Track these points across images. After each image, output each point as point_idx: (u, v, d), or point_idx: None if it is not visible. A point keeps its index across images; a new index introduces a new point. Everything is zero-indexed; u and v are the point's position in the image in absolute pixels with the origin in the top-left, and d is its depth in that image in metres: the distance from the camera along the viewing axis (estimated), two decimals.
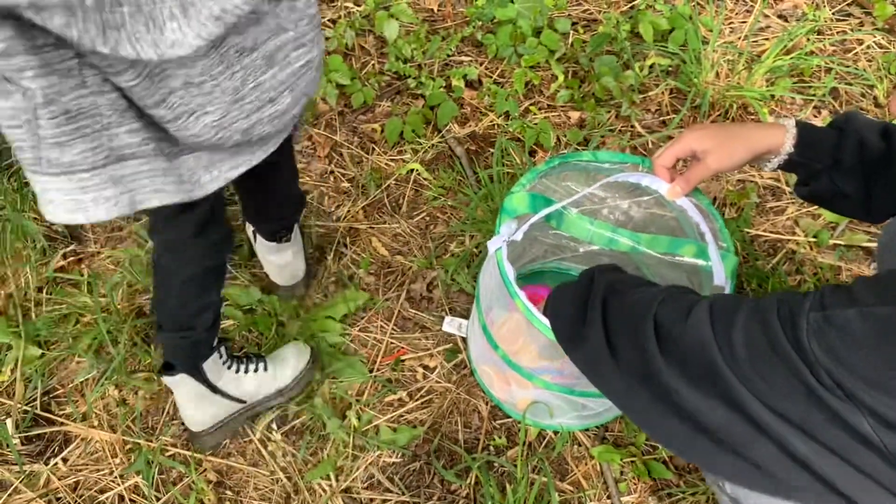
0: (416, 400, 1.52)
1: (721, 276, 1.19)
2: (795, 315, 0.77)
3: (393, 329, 1.60)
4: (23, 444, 1.45)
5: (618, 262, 1.34)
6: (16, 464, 1.42)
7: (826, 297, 0.76)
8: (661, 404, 0.90)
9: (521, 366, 1.33)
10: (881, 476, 0.76)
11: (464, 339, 1.58)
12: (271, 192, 1.40)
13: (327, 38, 1.99)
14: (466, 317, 1.61)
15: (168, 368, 1.30)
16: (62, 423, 1.47)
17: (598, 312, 0.99)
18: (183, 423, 1.43)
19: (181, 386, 1.33)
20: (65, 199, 0.81)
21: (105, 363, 1.52)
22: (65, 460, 1.44)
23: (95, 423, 1.47)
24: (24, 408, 1.48)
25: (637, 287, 1.01)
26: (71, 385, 1.51)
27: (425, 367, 1.56)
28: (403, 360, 1.56)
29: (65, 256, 1.64)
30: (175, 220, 1.12)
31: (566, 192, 1.35)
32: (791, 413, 0.79)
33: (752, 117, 1.91)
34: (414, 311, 1.63)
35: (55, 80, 0.72)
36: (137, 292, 1.60)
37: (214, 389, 1.35)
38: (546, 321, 1.13)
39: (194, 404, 1.36)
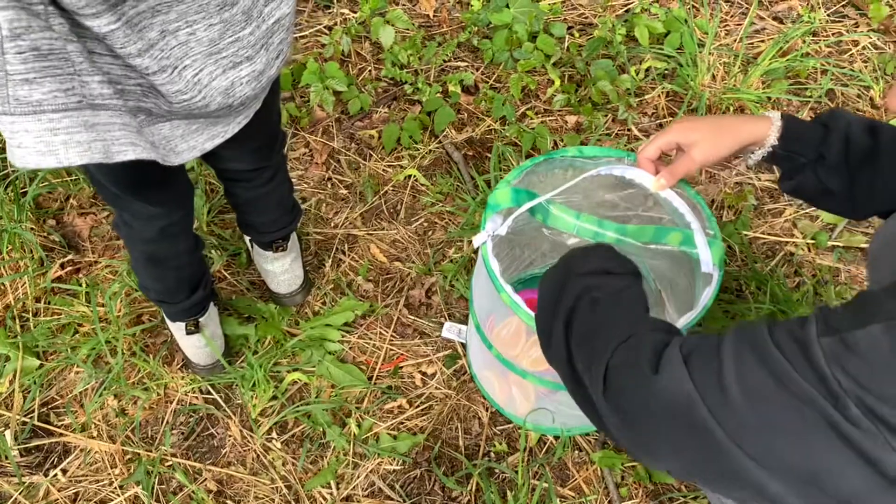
0: (416, 407, 1.51)
1: (709, 263, 1.18)
2: (805, 343, 0.67)
3: (392, 336, 1.59)
4: (22, 455, 1.45)
5: None
6: (15, 475, 1.41)
7: (830, 319, 0.68)
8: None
9: (517, 366, 1.33)
10: None
11: (463, 345, 1.58)
12: (265, 203, 1.40)
13: (323, 45, 1.99)
14: (465, 323, 1.60)
15: (195, 321, 1.43)
16: (61, 434, 1.47)
17: (562, 327, 0.92)
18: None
19: (214, 317, 1.47)
20: (34, 142, 0.78)
21: (104, 373, 1.51)
22: (64, 471, 1.43)
23: (94, 434, 1.47)
24: (23, 419, 1.47)
25: (611, 299, 0.92)
26: (70, 395, 1.50)
27: (424, 374, 1.55)
28: (402, 367, 1.56)
29: (62, 266, 1.64)
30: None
31: (553, 188, 1.34)
32: (801, 463, 0.68)
33: None
34: (413, 317, 1.62)
35: (23, 15, 0.71)
36: (136, 301, 1.60)
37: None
38: (531, 312, 1.12)
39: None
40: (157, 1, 0.78)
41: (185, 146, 0.97)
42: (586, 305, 0.92)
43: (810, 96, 1.96)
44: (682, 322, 1.11)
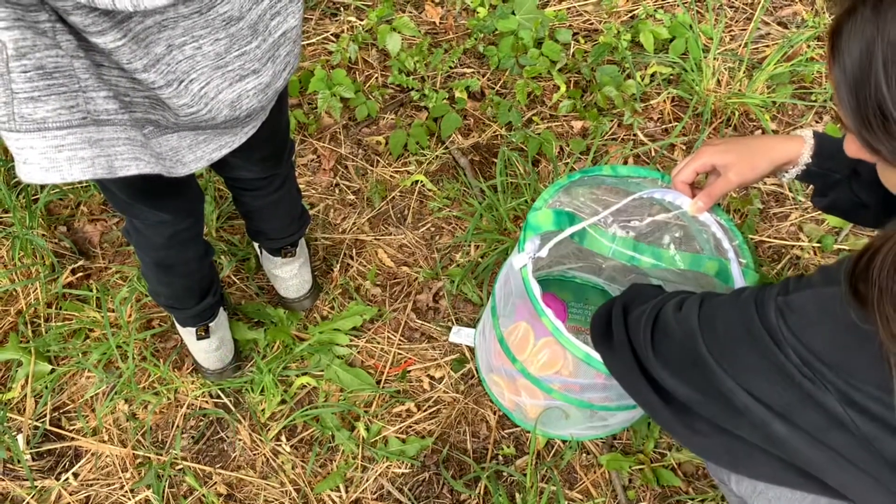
0: (424, 410, 1.52)
1: None
2: (766, 299, 0.82)
3: (400, 340, 1.60)
4: (34, 459, 1.46)
5: (635, 277, 1.42)
6: (27, 479, 1.43)
7: (791, 283, 0.82)
8: (655, 394, 1.00)
9: (540, 379, 1.34)
10: (854, 455, 0.79)
11: (471, 349, 1.59)
12: (274, 211, 1.41)
13: (330, 53, 2.01)
14: (473, 326, 1.61)
15: (205, 327, 1.44)
16: (73, 439, 1.48)
17: (621, 318, 1.08)
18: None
19: (224, 321, 1.48)
20: (39, 158, 0.79)
21: (115, 378, 1.53)
22: (76, 475, 1.44)
23: (106, 438, 1.48)
24: (35, 423, 1.49)
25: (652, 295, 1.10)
26: (81, 400, 1.52)
27: (432, 378, 1.56)
28: (410, 371, 1.57)
29: (73, 272, 1.66)
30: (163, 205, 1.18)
31: (586, 205, 1.35)
32: (769, 397, 0.83)
33: (754, 124, 1.92)
34: (420, 321, 1.63)
35: (28, 34, 0.72)
36: (146, 307, 1.61)
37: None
38: (574, 339, 1.13)
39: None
40: (162, 17, 0.79)
41: (193, 157, 0.98)
42: (636, 298, 1.11)
43: (815, 101, 1.96)
44: None
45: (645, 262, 1.27)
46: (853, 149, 0.81)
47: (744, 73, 1.96)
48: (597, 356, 1.13)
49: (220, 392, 1.53)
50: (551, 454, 1.47)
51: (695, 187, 1.21)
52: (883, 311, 0.66)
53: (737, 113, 1.91)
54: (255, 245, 1.61)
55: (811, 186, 1.17)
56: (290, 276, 1.53)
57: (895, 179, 0.76)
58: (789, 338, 0.78)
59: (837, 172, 1.08)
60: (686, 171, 1.16)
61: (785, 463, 0.88)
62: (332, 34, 2.09)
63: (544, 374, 1.33)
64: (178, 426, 1.50)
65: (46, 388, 1.52)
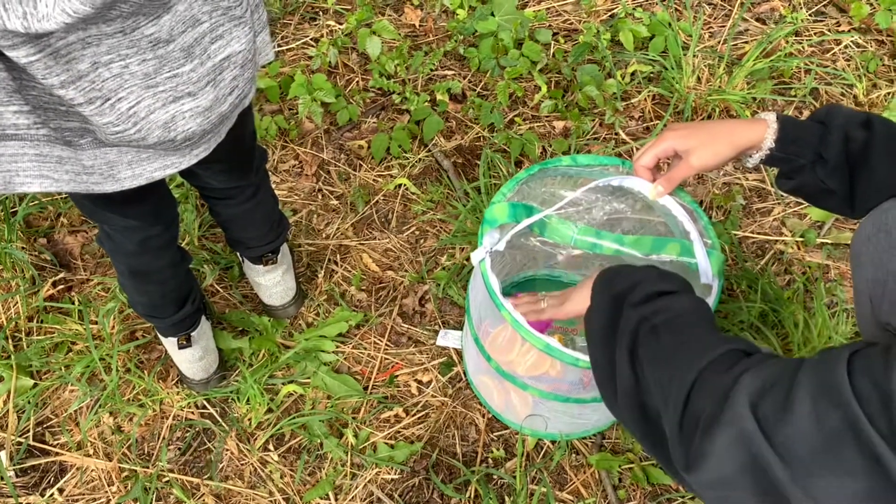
0: (413, 415, 1.51)
1: (708, 274, 1.18)
2: (887, 393, 0.63)
3: (387, 345, 1.60)
4: (17, 475, 1.44)
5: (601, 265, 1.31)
6: (11, 497, 1.41)
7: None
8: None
9: (516, 376, 1.34)
10: None
11: (458, 352, 1.58)
12: (250, 220, 1.39)
13: (310, 58, 2.00)
14: (460, 329, 1.61)
15: (186, 336, 1.42)
16: (57, 454, 1.46)
17: (627, 362, 0.88)
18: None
19: (207, 331, 1.47)
20: None
21: (98, 390, 1.51)
22: (61, 491, 1.42)
23: (91, 452, 1.46)
24: (18, 439, 1.47)
25: (671, 326, 0.87)
26: (65, 414, 1.50)
27: (420, 382, 1.56)
28: (398, 376, 1.56)
29: (54, 285, 1.64)
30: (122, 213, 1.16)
31: (548, 198, 1.35)
32: None
33: None
34: (407, 325, 1.63)
35: None
36: (129, 318, 1.59)
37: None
38: (534, 331, 1.13)
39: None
40: (86, 33, 0.76)
41: (130, 173, 0.93)
42: (649, 342, 0.87)
43: (795, 96, 1.98)
44: None
45: (607, 248, 1.27)
46: None
47: (723, 69, 1.97)
48: (557, 346, 1.12)
49: (205, 402, 1.52)
50: (541, 455, 1.47)
51: (657, 172, 1.20)
52: None
53: (717, 110, 1.92)
54: (238, 253, 1.59)
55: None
56: (273, 283, 1.52)
57: None
58: None
59: (802, 157, 1.06)
60: (647, 156, 1.15)
61: None
62: (311, 39, 2.08)
63: (532, 374, 1.33)
64: (164, 438, 1.48)
65: (29, 403, 1.50)
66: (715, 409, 0.73)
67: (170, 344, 1.46)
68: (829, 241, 1.75)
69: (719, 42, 2.08)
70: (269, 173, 1.79)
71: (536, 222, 1.24)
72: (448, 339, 1.58)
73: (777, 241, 1.76)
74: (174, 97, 0.86)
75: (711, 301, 1.15)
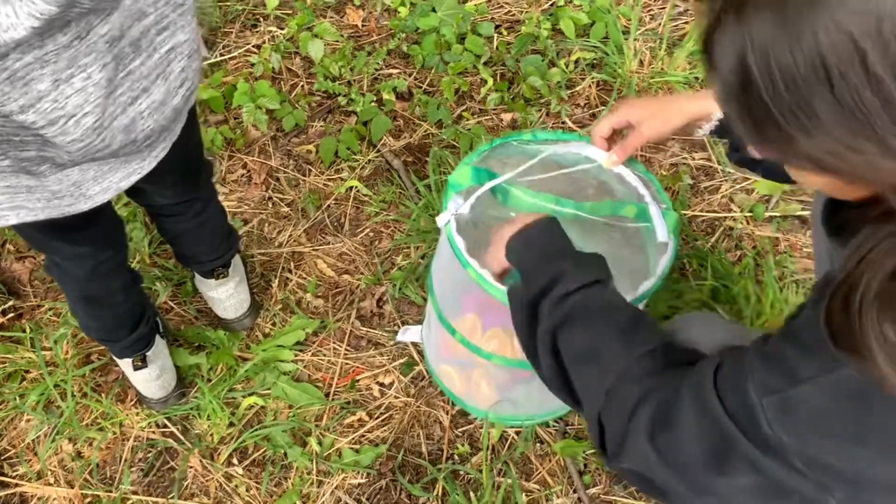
0: (376, 418, 1.51)
1: (664, 232, 1.22)
2: (749, 406, 0.71)
3: (346, 350, 1.59)
4: None
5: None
6: None
7: (767, 375, 0.71)
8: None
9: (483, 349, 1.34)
10: None
11: (419, 351, 1.58)
12: (199, 235, 1.38)
13: (253, 65, 1.98)
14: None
15: (142, 356, 1.40)
16: (17, 485, 1.44)
17: (550, 358, 0.93)
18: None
19: (162, 349, 1.45)
20: None
21: (56, 417, 1.49)
22: None
23: (52, 481, 1.44)
24: None
25: (588, 330, 0.92)
26: (22, 444, 1.47)
27: (382, 384, 1.56)
28: (359, 380, 1.56)
29: (4, 313, 1.61)
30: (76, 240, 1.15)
31: (512, 169, 1.36)
32: None
33: None
34: (366, 328, 1.62)
35: None
36: (83, 342, 1.57)
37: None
38: (500, 286, 1.13)
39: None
40: (42, 51, 0.74)
41: (98, 188, 0.94)
42: (567, 340, 0.92)
43: None
44: (641, 290, 1.14)
45: (567, 213, 1.29)
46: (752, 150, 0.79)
47: (665, 51, 1.98)
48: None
49: (166, 421, 1.50)
50: (506, 447, 1.48)
51: (612, 143, 1.23)
52: (876, 352, 0.59)
53: (661, 92, 1.94)
54: (189, 269, 1.58)
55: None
56: (226, 296, 1.51)
57: (799, 177, 0.73)
58: (792, 444, 0.68)
59: None
60: (603, 124, 1.20)
61: None
62: (253, 46, 2.06)
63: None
64: (125, 460, 1.47)
65: None
66: (620, 437, 0.83)
67: (125, 365, 1.44)
68: (778, 214, 1.78)
69: (659, 24, 2.10)
70: (218, 184, 1.78)
71: (500, 190, 1.25)
72: (408, 334, 1.58)
73: (726, 217, 1.78)
74: (132, 98, 0.87)
75: (667, 259, 1.17)
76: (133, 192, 1.10)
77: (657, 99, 1.19)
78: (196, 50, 0.95)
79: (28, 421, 1.50)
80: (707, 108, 1.12)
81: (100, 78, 0.81)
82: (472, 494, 1.42)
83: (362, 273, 1.69)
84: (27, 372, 1.54)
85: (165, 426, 1.50)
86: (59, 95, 0.78)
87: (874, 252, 0.60)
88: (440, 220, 1.21)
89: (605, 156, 1.23)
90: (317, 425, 1.49)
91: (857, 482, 0.69)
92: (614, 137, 1.23)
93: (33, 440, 1.48)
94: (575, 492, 1.43)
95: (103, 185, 0.94)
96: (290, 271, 1.69)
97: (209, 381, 1.53)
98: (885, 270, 0.59)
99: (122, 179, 0.96)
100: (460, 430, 1.51)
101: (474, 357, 1.36)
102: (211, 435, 1.48)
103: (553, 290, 0.94)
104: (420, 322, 1.62)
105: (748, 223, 1.77)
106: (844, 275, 0.62)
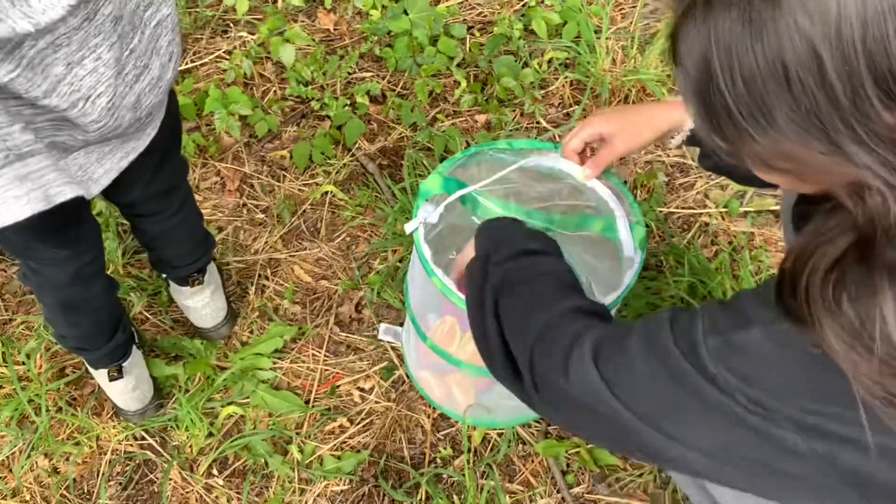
0: (357, 424, 1.50)
1: (630, 246, 1.22)
2: (693, 344, 0.73)
3: (325, 356, 1.58)
4: None
5: None
6: None
7: (717, 319, 0.73)
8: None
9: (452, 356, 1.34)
10: (810, 478, 0.72)
11: (400, 355, 1.58)
12: (177, 235, 1.37)
13: (224, 71, 1.96)
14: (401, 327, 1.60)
15: (118, 367, 1.38)
16: None
17: (494, 323, 0.92)
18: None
19: (139, 360, 1.43)
20: None
21: (30, 433, 1.46)
22: None
23: (28, 498, 1.41)
24: None
25: (529, 285, 0.93)
26: None
27: (362, 390, 1.55)
28: (339, 386, 1.55)
29: None
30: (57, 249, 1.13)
31: (484, 179, 1.36)
32: (709, 444, 0.74)
33: (651, 99, 1.96)
34: (345, 334, 1.61)
35: None
36: (57, 355, 1.54)
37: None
38: (461, 294, 1.13)
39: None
40: (54, 36, 0.76)
41: (102, 170, 0.96)
42: (508, 295, 0.92)
43: None
44: (608, 301, 1.14)
45: (537, 227, 1.29)
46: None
47: (637, 49, 1.99)
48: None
49: (144, 433, 1.48)
50: (488, 449, 1.48)
51: (585, 156, 1.23)
52: (823, 324, 0.60)
53: (634, 90, 1.95)
54: (164, 277, 1.56)
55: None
56: (202, 305, 1.49)
57: (757, 172, 0.74)
58: (734, 383, 0.70)
59: None
60: (574, 140, 1.20)
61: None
62: (224, 52, 2.04)
63: (473, 363, 1.34)
64: (103, 474, 1.44)
65: None
66: (561, 365, 0.81)
67: (101, 377, 1.42)
68: (753, 209, 1.80)
69: (631, 23, 2.11)
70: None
71: (469, 199, 1.26)
72: (389, 333, 1.56)
73: (702, 213, 1.79)
74: (135, 76, 0.90)
75: (633, 272, 1.17)
76: (114, 191, 1.08)
77: (627, 110, 1.20)
78: (177, 23, 0.98)
79: (2, 437, 1.47)
80: (678, 119, 1.12)
81: (108, 58, 0.83)
82: (455, 498, 1.42)
83: (340, 278, 1.68)
84: None
85: (143, 438, 1.48)
86: (73, 78, 0.80)
87: (825, 234, 0.62)
88: (408, 227, 1.21)
89: (580, 170, 1.23)
90: (297, 433, 1.48)
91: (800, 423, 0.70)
92: (586, 150, 1.23)
93: (7, 457, 1.45)
94: (559, 492, 1.43)
95: (105, 167, 0.96)
96: (266, 278, 1.68)
97: (187, 391, 1.51)
98: (836, 248, 0.60)
99: (122, 159, 0.98)
100: (442, 433, 1.50)
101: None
102: (190, 446, 1.46)
103: (501, 250, 0.96)
104: (400, 325, 1.61)
105: (723, 219, 1.79)
106: (796, 254, 0.64)
